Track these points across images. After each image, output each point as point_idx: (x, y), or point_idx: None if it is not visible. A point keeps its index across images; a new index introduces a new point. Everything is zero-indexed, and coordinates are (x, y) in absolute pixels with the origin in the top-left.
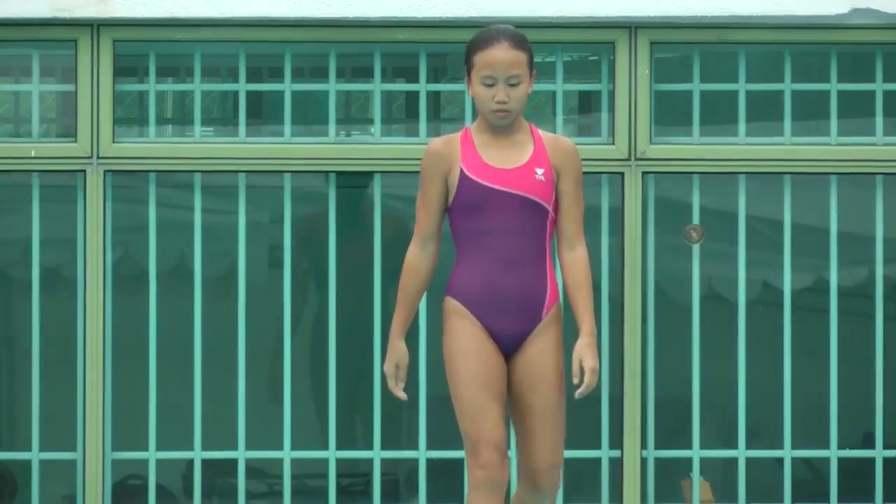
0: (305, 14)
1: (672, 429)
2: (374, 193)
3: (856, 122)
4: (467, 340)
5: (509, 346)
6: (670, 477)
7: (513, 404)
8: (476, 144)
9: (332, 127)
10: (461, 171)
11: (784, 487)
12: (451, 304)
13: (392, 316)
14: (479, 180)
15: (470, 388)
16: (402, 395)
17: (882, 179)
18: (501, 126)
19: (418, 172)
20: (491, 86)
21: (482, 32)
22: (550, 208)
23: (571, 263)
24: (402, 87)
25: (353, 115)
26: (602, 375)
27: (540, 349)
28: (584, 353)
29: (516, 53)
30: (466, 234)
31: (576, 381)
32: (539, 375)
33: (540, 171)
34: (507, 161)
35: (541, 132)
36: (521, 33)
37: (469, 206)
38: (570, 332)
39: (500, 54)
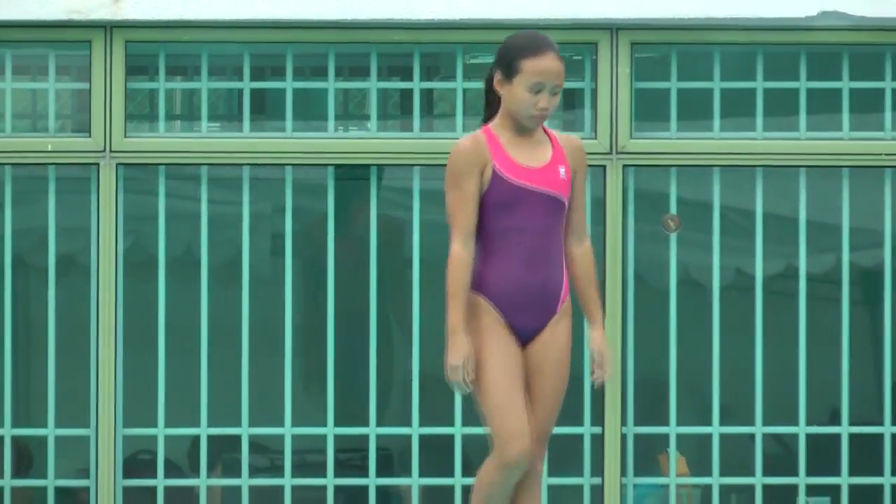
0: (306, 16)
1: (650, 407)
2: (370, 185)
3: (824, 118)
4: (497, 342)
5: (526, 338)
6: (648, 452)
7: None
8: (503, 144)
9: (331, 123)
10: (494, 170)
11: (755, 462)
12: (480, 301)
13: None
14: (513, 180)
15: (501, 390)
16: (466, 388)
17: (848, 172)
18: (531, 128)
19: (412, 165)
20: (537, 92)
21: (528, 39)
22: (567, 205)
23: (582, 256)
24: (397, 85)
25: (351, 111)
26: (584, 357)
27: (552, 339)
28: (603, 345)
29: (560, 64)
30: (495, 232)
31: (596, 370)
32: (549, 361)
33: (562, 170)
34: (534, 160)
35: (552, 131)
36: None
37: (501, 204)
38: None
39: (551, 64)
